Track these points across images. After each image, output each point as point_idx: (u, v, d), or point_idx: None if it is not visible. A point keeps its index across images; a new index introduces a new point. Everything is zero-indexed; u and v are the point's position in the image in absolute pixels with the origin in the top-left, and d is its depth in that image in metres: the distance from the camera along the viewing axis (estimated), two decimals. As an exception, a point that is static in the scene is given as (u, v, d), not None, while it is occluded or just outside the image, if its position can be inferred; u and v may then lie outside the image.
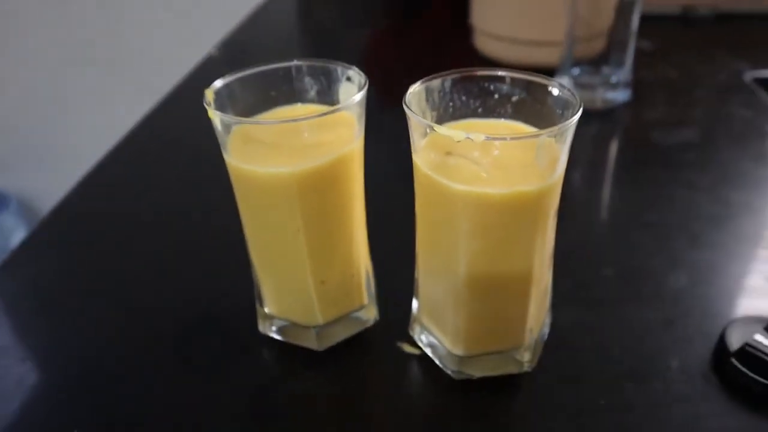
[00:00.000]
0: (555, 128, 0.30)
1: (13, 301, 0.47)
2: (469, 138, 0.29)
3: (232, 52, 0.91)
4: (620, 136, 0.69)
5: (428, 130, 0.33)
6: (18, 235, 1.59)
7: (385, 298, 0.44)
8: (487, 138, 0.29)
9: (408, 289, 0.45)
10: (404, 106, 0.33)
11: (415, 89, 0.34)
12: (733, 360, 0.37)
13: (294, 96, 0.39)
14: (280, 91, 0.39)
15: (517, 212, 0.32)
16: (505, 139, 0.30)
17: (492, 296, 0.35)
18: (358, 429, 0.36)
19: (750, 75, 0.77)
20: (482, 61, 0.83)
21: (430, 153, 0.34)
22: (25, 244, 0.53)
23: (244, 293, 0.44)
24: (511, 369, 0.38)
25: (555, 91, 0.34)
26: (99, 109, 1.63)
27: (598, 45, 0.78)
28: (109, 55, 1.55)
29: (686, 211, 0.54)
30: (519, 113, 0.36)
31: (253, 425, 0.37)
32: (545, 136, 0.30)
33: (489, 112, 0.37)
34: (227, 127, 0.35)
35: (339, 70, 0.38)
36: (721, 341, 0.39)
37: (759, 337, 0.37)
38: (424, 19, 1.06)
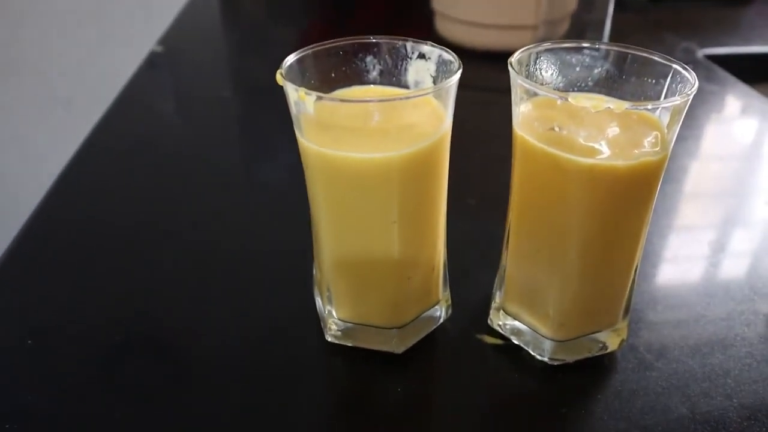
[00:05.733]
0: (677, 98, 0.30)
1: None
2: (609, 108, 0.28)
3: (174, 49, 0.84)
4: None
5: (525, 99, 0.31)
6: None
7: (453, 291, 0.41)
8: (630, 107, 0.28)
9: (470, 281, 0.43)
10: (516, 74, 0.31)
11: (522, 56, 0.33)
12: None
13: (354, 77, 0.36)
14: (339, 71, 0.35)
15: (640, 183, 0.31)
16: (646, 107, 0.29)
17: (600, 273, 0.34)
18: (458, 427, 0.34)
19: (701, 53, 0.81)
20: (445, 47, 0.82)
21: (537, 125, 0.32)
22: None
23: (298, 307, 0.40)
24: (606, 349, 0.37)
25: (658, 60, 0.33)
26: (4, 119, 1.46)
27: (562, 28, 0.80)
28: (7, 61, 1.39)
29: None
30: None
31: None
32: (673, 104, 0.29)
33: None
34: (305, 108, 0.31)
35: (409, 46, 0.35)
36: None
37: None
38: (358, 10, 1.03)
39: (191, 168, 0.58)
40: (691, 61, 0.79)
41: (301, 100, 0.29)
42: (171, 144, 0.63)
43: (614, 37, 0.81)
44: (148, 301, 0.42)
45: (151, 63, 0.79)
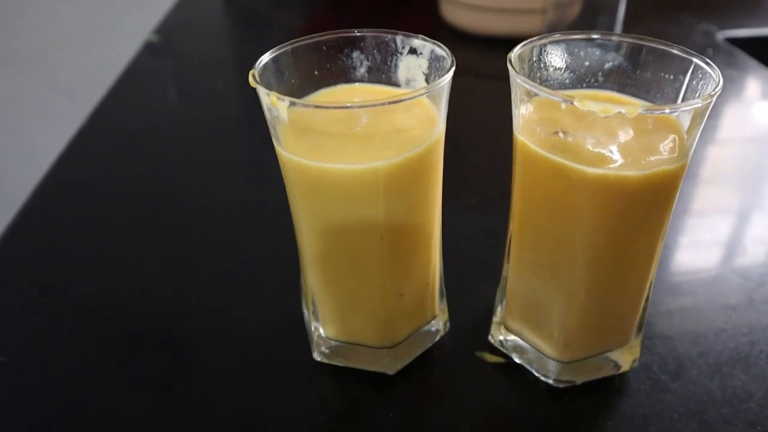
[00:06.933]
0: (699, 101, 0.26)
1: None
2: (620, 112, 0.24)
3: (170, 38, 0.81)
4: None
5: (526, 100, 0.28)
6: None
7: (449, 303, 0.38)
8: (645, 111, 0.24)
9: (472, 291, 0.40)
10: (515, 72, 0.27)
11: (517, 53, 0.29)
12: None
13: (340, 75, 0.33)
14: (323, 69, 0.32)
15: (656, 195, 0.27)
16: (663, 111, 0.25)
17: (610, 291, 0.31)
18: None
19: (721, 35, 0.77)
20: (451, 32, 0.78)
21: (540, 130, 0.28)
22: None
23: (280, 311, 0.38)
24: (616, 369, 0.34)
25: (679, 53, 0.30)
26: (4, 110, 1.44)
27: (573, 12, 0.75)
28: (12, 52, 1.37)
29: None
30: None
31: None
32: (694, 107, 0.26)
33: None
34: (278, 115, 0.28)
35: (399, 40, 0.32)
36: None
37: None
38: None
39: (186, 163, 0.56)
40: (710, 45, 0.75)
41: (273, 105, 0.26)
42: (166, 137, 0.60)
43: (629, 20, 0.77)
44: (135, 302, 0.39)
45: (146, 53, 0.76)
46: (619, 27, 0.69)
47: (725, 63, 0.70)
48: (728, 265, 0.43)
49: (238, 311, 0.39)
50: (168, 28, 0.83)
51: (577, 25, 0.71)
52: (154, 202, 0.50)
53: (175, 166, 0.55)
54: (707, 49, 0.73)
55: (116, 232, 0.46)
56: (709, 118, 0.63)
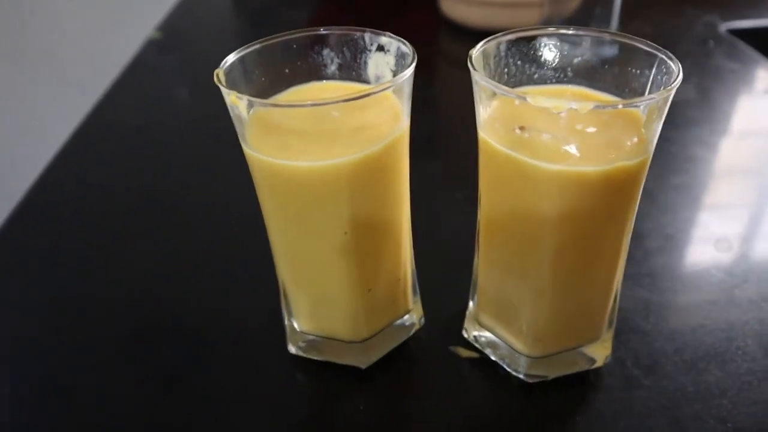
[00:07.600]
0: (655, 96, 0.26)
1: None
2: (573, 108, 0.24)
3: (173, 36, 0.82)
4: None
5: (485, 98, 0.28)
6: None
7: (427, 297, 0.38)
8: (597, 106, 0.24)
9: (452, 285, 0.41)
10: (474, 69, 0.27)
11: (480, 50, 0.29)
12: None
13: (312, 73, 0.33)
14: (294, 67, 0.33)
15: (617, 190, 0.27)
16: (616, 106, 0.25)
17: (576, 287, 0.31)
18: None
19: (724, 27, 0.75)
20: (450, 27, 0.78)
21: (499, 127, 0.28)
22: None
23: (264, 307, 0.38)
24: (588, 364, 0.34)
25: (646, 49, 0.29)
26: (16, 109, 1.46)
27: (572, 4, 0.75)
28: (17, 52, 1.39)
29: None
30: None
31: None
32: (651, 101, 0.26)
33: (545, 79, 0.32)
34: (247, 114, 0.28)
35: (367, 38, 0.32)
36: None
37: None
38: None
39: (187, 160, 0.56)
40: (712, 36, 0.73)
41: (234, 104, 0.27)
42: (167, 134, 0.61)
43: (629, 12, 0.76)
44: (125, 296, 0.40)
45: (149, 50, 0.77)
46: (616, 19, 0.68)
47: (728, 55, 0.69)
48: (711, 261, 0.43)
49: (237, 311, 0.40)
50: (171, 25, 0.84)
51: (574, 18, 0.71)
52: (153, 199, 0.51)
53: (176, 164, 0.56)
54: (709, 40, 0.72)
55: (114, 230, 0.47)
56: (709, 110, 0.62)
